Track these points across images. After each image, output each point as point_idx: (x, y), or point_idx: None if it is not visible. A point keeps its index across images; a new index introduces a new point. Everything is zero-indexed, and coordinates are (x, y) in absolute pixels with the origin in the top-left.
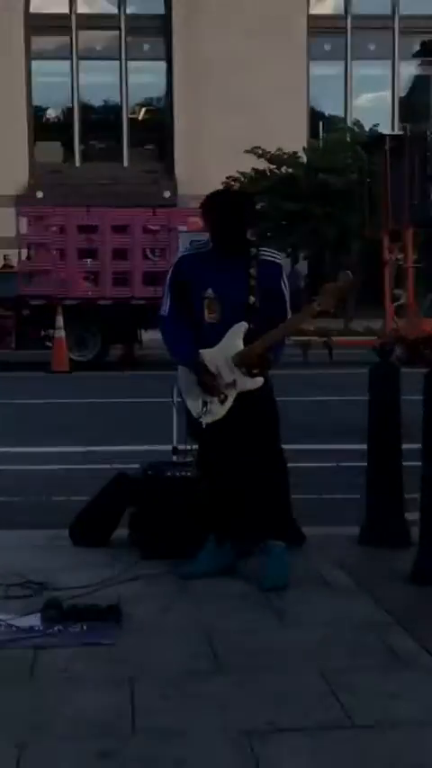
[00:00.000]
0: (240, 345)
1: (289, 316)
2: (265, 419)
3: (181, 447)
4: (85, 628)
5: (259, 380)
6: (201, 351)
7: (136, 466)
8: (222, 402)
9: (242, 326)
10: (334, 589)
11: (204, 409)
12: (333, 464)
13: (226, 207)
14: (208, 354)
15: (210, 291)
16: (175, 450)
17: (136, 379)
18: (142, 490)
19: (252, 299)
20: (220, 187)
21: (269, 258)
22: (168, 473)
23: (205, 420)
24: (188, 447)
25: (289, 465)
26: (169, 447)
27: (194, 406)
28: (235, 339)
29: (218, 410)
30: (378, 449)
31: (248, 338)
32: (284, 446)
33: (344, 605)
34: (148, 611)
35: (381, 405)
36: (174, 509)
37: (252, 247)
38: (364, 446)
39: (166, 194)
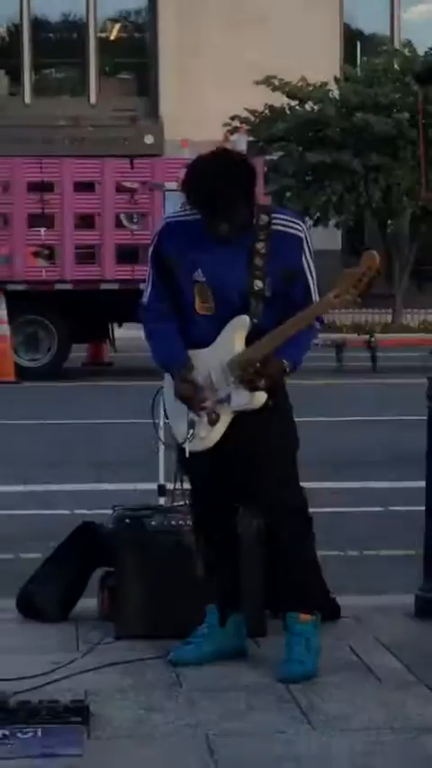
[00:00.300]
0: (240, 347)
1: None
2: (274, 449)
3: (170, 486)
4: (39, 733)
5: (260, 397)
6: (190, 351)
7: (108, 512)
8: (213, 423)
9: (242, 321)
10: (381, 680)
11: (191, 432)
12: (379, 508)
13: (208, 192)
14: (199, 357)
15: (199, 273)
16: (162, 491)
17: (108, 393)
18: (117, 545)
19: (258, 284)
20: (222, 130)
21: (284, 228)
22: (153, 522)
23: (190, 448)
24: (181, 486)
25: (317, 510)
26: (154, 486)
27: (179, 428)
28: (233, 338)
29: (207, 434)
30: None
31: (254, 337)
32: (312, 484)
33: (395, 702)
34: (127, 711)
35: None
36: (161, 571)
37: (262, 213)
38: (422, 483)
39: (149, 140)
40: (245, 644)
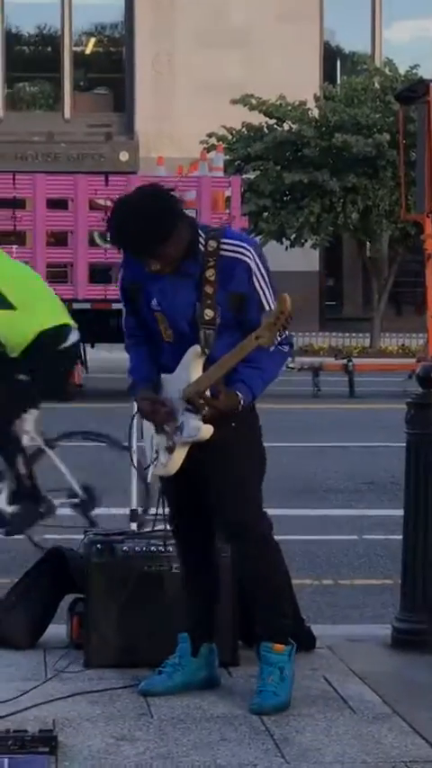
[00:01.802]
0: (192, 377)
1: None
2: (235, 472)
3: (143, 511)
4: (6, 763)
5: (207, 430)
6: (162, 375)
7: (79, 537)
8: (170, 451)
9: (195, 351)
10: (356, 711)
11: (155, 457)
12: (353, 537)
13: (120, 235)
14: (165, 382)
15: (155, 303)
16: (134, 516)
17: (78, 415)
18: (86, 571)
19: (209, 313)
20: (198, 148)
21: (231, 254)
22: (125, 547)
23: (155, 472)
24: (155, 511)
25: (290, 537)
26: (126, 510)
27: (148, 450)
28: (189, 368)
29: (167, 462)
30: (419, 515)
31: (209, 366)
32: (285, 511)
33: (369, 734)
34: (96, 741)
35: (423, 453)
36: (131, 597)
37: (210, 239)
38: (399, 511)
39: (123, 157)
40: (217, 674)
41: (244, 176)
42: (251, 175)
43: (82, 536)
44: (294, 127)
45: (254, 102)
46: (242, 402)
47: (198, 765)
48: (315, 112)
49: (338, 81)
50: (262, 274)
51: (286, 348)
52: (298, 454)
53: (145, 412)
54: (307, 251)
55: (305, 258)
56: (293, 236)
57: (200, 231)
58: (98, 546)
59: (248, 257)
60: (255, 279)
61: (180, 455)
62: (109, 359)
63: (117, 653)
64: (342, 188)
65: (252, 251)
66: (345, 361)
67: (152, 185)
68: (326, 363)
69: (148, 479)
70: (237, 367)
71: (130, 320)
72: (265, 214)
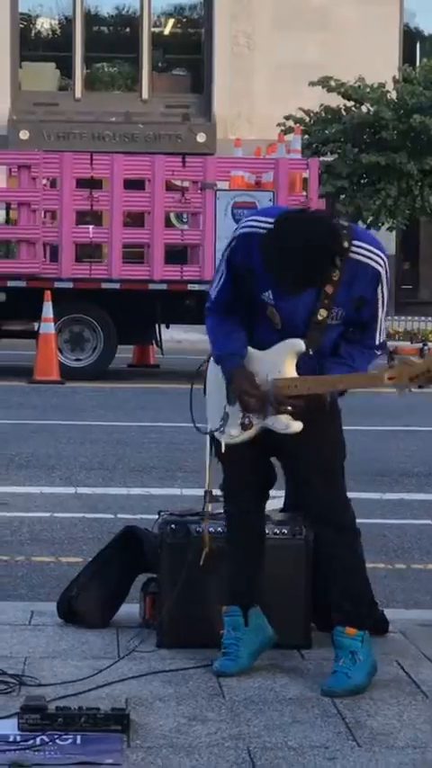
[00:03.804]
0: (288, 371)
1: (377, 340)
2: (321, 458)
3: (218, 492)
4: (79, 740)
5: (297, 426)
6: (250, 349)
7: (153, 517)
8: (245, 429)
9: (297, 346)
10: (429, 696)
11: (222, 424)
12: (427, 521)
13: (287, 272)
14: (253, 358)
15: (269, 296)
16: (209, 497)
17: (152, 396)
18: (160, 551)
19: (323, 313)
20: (276, 130)
21: (365, 259)
22: (199, 528)
23: (221, 438)
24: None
25: (363, 521)
26: (200, 491)
27: (213, 416)
28: (284, 359)
29: (237, 435)
30: None
31: (307, 361)
32: (358, 494)
33: None
34: (168, 721)
35: None
36: (204, 578)
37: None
38: None
39: (201, 138)
40: (270, 630)
41: (321, 159)
42: (329, 158)
43: (156, 516)
44: (372, 109)
45: (333, 83)
46: (329, 399)
47: (269, 747)
48: (393, 95)
49: (418, 63)
50: (388, 281)
51: (379, 351)
52: (371, 438)
53: (241, 391)
54: (383, 234)
55: (381, 241)
56: (370, 218)
57: None
58: (172, 526)
59: (381, 266)
60: (380, 287)
61: (253, 432)
62: (183, 339)
63: (190, 633)
64: (420, 171)
65: (385, 259)
66: (420, 344)
67: (321, 218)
68: (401, 347)
69: (213, 449)
70: (327, 362)
71: (228, 292)
72: (342, 196)
